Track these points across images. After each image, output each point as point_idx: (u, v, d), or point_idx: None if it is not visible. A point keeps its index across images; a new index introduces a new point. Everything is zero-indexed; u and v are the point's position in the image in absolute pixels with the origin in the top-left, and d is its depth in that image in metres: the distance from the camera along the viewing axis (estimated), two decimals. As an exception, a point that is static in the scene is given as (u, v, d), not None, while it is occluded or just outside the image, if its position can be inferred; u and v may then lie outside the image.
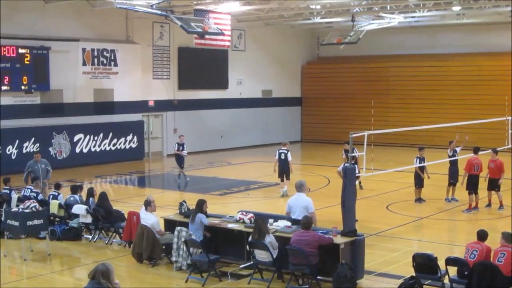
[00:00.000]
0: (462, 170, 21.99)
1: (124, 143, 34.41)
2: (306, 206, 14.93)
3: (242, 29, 40.07)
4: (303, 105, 45.77)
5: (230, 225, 15.16)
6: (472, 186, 21.17)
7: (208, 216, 15.36)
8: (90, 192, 18.55)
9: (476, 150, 21.68)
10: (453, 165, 22.96)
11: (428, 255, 13.08)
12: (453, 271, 12.81)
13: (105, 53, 33.46)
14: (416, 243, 17.41)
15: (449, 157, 22.94)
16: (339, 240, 13.78)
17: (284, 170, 24.09)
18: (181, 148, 27.88)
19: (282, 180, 24.09)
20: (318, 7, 33.65)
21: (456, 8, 32.84)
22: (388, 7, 33.55)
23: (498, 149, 22.34)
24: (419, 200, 22.80)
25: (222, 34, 30.51)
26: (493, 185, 21.47)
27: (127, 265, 15.45)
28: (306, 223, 13.71)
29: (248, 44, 41.16)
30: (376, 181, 24.90)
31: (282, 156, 24.09)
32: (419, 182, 22.92)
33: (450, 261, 12.90)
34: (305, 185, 15.64)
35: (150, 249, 15.16)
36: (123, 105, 34.38)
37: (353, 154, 18.19)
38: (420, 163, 22.58)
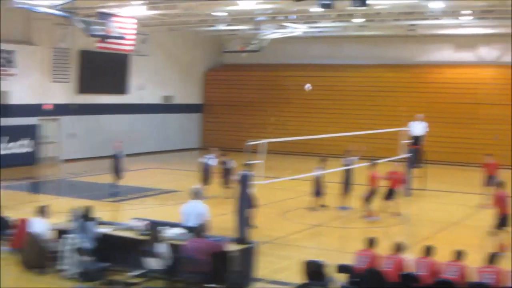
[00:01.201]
0: (357, 179, 22.43)
1: (19, 148, 33.49)
2: (202, 214, 14.85)
3: (146, 34, 39.61)
4: (205, 112, 45.68)
5: (122, 233, 14.97)
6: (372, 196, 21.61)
7: (101, 223, 15.14)
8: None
9: (373, 163, 22.01)
10: (348, 174, 23.34)
11: (318, 262, 13.27)
12: (344, 278, 13.02)
13: (3, 54, 32.45)
14: (310, 250, 17.58)
15: (344, 166, 23.30)
16: (232, 247, 13.79)
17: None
18: (118, 156, 26.23)
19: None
20: (223, 14, 33.69)
21: (358, 20, 33.43)
22: (292, 17, 33.80)
23: (392, 158, 22.95)
24: (314, 208, 23.11)
25: (123, 38, 30.14)
26: (391, 194, 22.06)
27: (16, 274, 14.99)
28: (200, 231, 13.67)
29: (152, 49, 40.65)
30: (273, 189, 25.05)
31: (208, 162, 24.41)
32: (318, 191, 23.19)
33: (341, 268, 13.13)
34: (201, 193, 15.57)
35: (39, 257, 14.78)
36: (19, 108, 33.44)
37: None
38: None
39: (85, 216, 14.80)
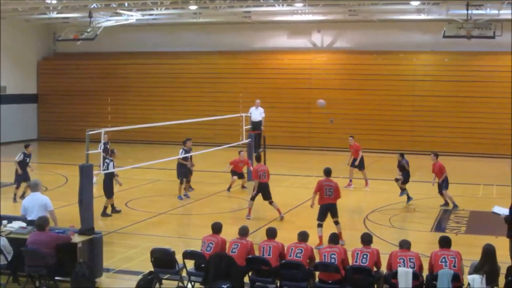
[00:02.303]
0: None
1: None
2: (44, 205, 14.52)
3: (-27, 22, 38.07)
4: (40, 102, 44.41)
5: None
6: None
7: None
8: None
9: (258, 158, 21.45)
10: (182, 165, 23.20)
11: (166, 250, 13.29)
12: (190, 264, 13.11)
13: None
14: (155, 238, 17.52)
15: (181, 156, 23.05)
16: (77, 239, 13.59)
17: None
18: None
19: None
20: (54, 1, 32.82)
21: (193, 7, 33.53)
22: (126, 4, 33.42)
23: (231, 145, 23.30)
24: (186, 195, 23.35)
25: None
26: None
27: None
28: (41, 223, 13.37)
29: (-20, 38, 39.20)
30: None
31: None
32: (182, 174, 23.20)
33: (187, 255, 13.20)
34: (40, 184, 15.18)
35: None
36: None
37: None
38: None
39: None
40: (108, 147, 22.92)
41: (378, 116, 36.59)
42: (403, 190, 22.13)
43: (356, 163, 25.28)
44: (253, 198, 19.94)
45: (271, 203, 19.88)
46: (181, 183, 22.93)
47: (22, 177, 22.95)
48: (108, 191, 20.11)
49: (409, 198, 22.02)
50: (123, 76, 42.11)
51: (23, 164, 23.19)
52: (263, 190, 19.79)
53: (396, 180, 22.28)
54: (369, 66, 37.31)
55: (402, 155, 22.58)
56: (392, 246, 14.63)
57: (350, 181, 25.44)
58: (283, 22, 38.80)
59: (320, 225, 16.55)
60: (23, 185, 22.50)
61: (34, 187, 14.86)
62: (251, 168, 23.71)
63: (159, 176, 27.21)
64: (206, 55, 40.85)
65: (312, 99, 37.66)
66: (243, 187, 24.86)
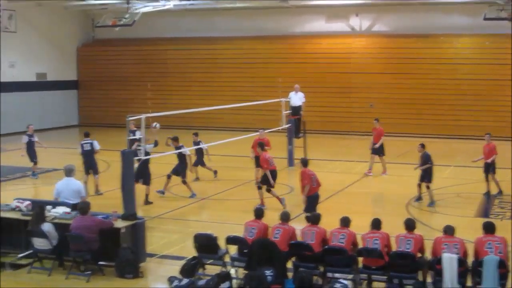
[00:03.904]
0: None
1: None
2: (77, 191, 14.66)
3: (13, 10, 38.40)
4: (80, 88, 44.79)
5: (6, 214, 14.61)
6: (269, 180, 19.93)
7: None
8: None
9: (261, 146, 20.78)
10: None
11: (208, 235, 13.36)
12: (233, 249, 13.15)
13: None
14: (197, 223, 17.64)
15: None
16: (120, 224, 13.71)
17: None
18: (32, 138, 24.79)
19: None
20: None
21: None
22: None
23: (271, 130, 23.21)
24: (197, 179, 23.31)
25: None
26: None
27: None
28: (84, 207, 13.52)
29: (20, 25, 39.52)
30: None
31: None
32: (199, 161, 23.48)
33: (230, 240, 13.25)
34: (74, 170, 15.25)
35: None
36: None
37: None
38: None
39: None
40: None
41: (418, 100, 36.24)
42: (428, 196, 20.03)
43: (376, 146, 24.63)
44: (266, 189, 19.65)
45: (269, 191, 19.63)
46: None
47: (32, 156, 24.57)
48: (146, 178, 20.09)
49: (432, 202, 19.89)
50: (161, 61, 42.25)
51: (30, 144, 24.39)
52: (274, 178, 19.62)
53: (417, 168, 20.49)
54: (408, 50, 36.95)
55: (423, 145, 20.42)
56: (436, 232, 14.51)
57: (370, 168, 24.92)
58: (320, 6, 38.59)
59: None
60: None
61: (69, 172, 14.95)
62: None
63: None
64: (243, 40, 40.79)
65: (351, 84, 37.55)
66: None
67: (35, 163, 24.90)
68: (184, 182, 21.27)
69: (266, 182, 19.55)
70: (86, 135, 22.24)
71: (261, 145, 20.84)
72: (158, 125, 21.28)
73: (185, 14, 41.24)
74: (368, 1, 36.35)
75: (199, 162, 23.89)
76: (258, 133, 23.20)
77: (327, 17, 39.28)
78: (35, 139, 24.91)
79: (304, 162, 17.42)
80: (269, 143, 22.74)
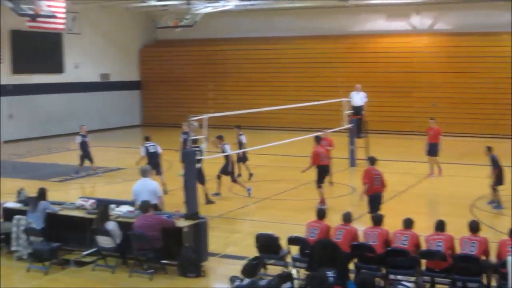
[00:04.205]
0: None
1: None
2: (154, 191, 14.85)
3: (76, 12, 39.04)
4: (142, 88, 45.34)
5: (71, 212, 14.88)
6: (323, 176, 20.13)
7: (52, 203, 15.04)
8: None
9: (318, 140, 20.73)
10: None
11: (270, 235, 13.37)
12: (295, 250, 13.14)
13: None
14: (259, 223, 17.68)
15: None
16: (182, 223, 13.82)
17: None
18: (85, 139, 25.44)
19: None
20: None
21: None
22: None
23: (333, 130, 23.10)
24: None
25: (54, 16, 29.66)
26: None
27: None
28: (145, 206, 13.68)
29: (84, 27, 40.19)
30: (217, 164, 25.05)
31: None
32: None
33: (291, 240, 13.24)
34: (149, 171, 15.56)
35: (-14, 239, 14.66)
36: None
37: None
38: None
39: (38, 197, 14.68)
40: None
41: (482, 99, 35.59)
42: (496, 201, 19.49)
43: (442, 147, 24.13)
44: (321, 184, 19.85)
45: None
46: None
47: (83, 156, 25.09)
48: (201, 178, 20.00)
49: (499, 206, 19.33)
50: (221, 62, 42.47)
51: (83, 144, 25.00)
52: (325, 173, 19.82)
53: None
54: (471, 48, 36.37)
55: (489, 148, 19.83)
56: (501, 235, 14.27)
57: (437, 168, 24.42)
58: (380, 5, 38.29)
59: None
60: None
61: (144, 173, 15.22)
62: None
63: (261, 161, 27.32)
64: (303, 40, 40.72)
65: (412, 83, 37.15)
66: (330, 183, 22.53)
67: (91, 162, 25.48)
68: (234, 181, 21.37)
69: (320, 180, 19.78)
70: (147, 138, 22.45)
71: (317, 139, 20.73)
72: (196, 124, 21.62)
73: (245, 14, 41.36)
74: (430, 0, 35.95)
75: (241, 158, 23.77)
76: (321, 133, 22.95)
77: (388, 15, 38.96)
78: (88, 139, 25.44)
79: (371, 160, 17.28)
80: (332, 143, 22.61)
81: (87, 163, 25.48)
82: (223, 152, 20.79)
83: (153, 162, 21.49)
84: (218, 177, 21.29)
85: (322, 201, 19.57)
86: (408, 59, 37.63)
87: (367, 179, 16.82)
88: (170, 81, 43.86)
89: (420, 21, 38.36)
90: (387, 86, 37.58)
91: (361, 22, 39.68)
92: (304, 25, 40.77)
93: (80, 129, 25.68)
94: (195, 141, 18.98)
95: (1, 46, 35.44)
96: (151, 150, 21.91)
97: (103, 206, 14.28)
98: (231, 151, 21.32)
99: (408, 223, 12.86)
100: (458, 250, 12.27)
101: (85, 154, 25.28)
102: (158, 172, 21.82)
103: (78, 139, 25.26)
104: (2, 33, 35.35)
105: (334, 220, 14.00)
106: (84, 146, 25.23)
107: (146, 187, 14.86)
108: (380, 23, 39.16)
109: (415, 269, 12.21)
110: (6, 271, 13.95)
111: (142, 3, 37.72)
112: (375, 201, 16.76)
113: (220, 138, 21.03)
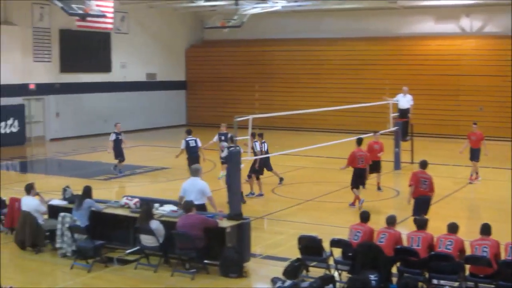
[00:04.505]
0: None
1: (5, 128, 33.33)
2: (203, 190, 14.86)
3: (125, 12, 39.46)
4: (188, 88, 45.58)
5: (115, 210, 15.00)
6: (357, 180, 20.01)
7: (97, 201, 15.18)
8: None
9: (358, 142, 20.57)
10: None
11: (313, 237, 13.31)
12: (337, 252, 13.07)
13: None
14: (301, 225, 17.60)
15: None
16: (225, 223, 13.83)
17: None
18: (120, 137, 25.61)
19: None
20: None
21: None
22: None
23: (380, 132, 22.92)
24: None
25: (104, 16, 29.97)
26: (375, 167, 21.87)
27: (10, 253, 15.06)
28: (188, 206, 13.72)
29: (132, 26, 40.62)
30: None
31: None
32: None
33: (334, 243, 13.15)
34: (200, 170, 15.60)
35: (33, 236, 14.83)
36: (2, 88, 33.18)
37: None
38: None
39: (84, 195, 14.82)
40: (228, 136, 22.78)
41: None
42: None
43: (486, 152, 23.70)
44: (357, 187, 19.83)
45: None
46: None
47: (117, 153, 25.22)
48: None
49: None
50: (268, 63, 42.49)
51: (117, 142, 25.11)
52: (359, 176, 19.75)
53: None
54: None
55: None
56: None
57: (474, 173, 24.02)
58: (429, 7, 38.01)
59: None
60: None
61: (195, 172, 15.23)
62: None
63: (305, 163, 27.30)
64: (350, 41, 40.55)
65: (460, 86, 36.74)
66: (378, 188, 22.24)
67: (120, 160, 25.64)
68: (250, 177, 21.32)
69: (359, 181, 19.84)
70: (189, 132, 22.95)
71: (358, 140, 20.57)
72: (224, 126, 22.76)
73: (292, 16, 41.35)
74: (479, 1, 35.49)
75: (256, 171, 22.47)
76: (372, 135, 22.73)
77: (436, 17, 38.62)
78: (122, 137, 25.66)
79: (421, 164, 17.09)
80: (383, 147, 22.39)
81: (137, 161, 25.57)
82: (253, 149, 20.87)
83: (193, 157, 22.04)
84: (249, 176, 21.31)
85: (354, 202, 19.82)
86: (456, 62, 37.23)
87: (412, 182, 16.66)
88: (215, 82, 43.99)
89: (469, 23, 37.93)
90: (434, 89, 37.20)
91: (410, 24, 39.40)
92: (352, 26, 40.58)
93: (115, 127, 25.92)
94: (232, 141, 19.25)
95: (51, 46, 35.93)
96: (192, 144, 22.36)
97: (146, 204, 14.36)
98: (261, 149, 21.16)
99: (453, 228, 12.69)
100: (503, 256, 12.08)
101: (118, 152, 25.48)
102: None
103: (112, 136, 25.49)
104: (51, 32, 35.84)
105: (378, 223, 13.88)
106: (117, 144, 25.46)
107: (195, 186, 14.85)
108: (429, 25, 38.83)
109: (458, 274, 12.05)
110: (50, 268, 14.15)
111: (191, 4, 37.93)
112: (420, 204, 16.59)
113: (252, 135, 21.08)
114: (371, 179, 21.75)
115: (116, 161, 25.59)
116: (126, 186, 23.38)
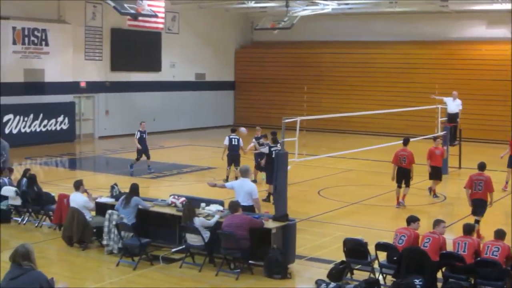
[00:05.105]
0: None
1: (55, 125, 33.84)
2: (250, 192, 14.88)
3: (176, 12, 39.79)
4: (236, 89, 45.76)
5: (161, 209, 15.13)
6: (400, 179, 20.30)
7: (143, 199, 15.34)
8: (25, 173, 18.20)
9: (405, 142, 20.72)
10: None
11: (359, 240, 13.28)
12: (382, 256, 13.04)
13: (36, 32, 32.77)
14: (347, 228, 17.59)
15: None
16: (271, 224, 13.86)
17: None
18: (144, 135, 26.03)
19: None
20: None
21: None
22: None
23: (426, 136, 22.77)
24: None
25: (156, 16, 30.31)
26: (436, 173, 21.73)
27: (57, 248, 15.30)
28: (234, 206, 13.78)
29: (182, 27, 40.94)
30: (308, 166, 25.10)
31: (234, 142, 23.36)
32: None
33: (379, 246, 13.11)
34: (250, 171, 15.68)
35: (80, 232, 15.02)
36: (54, 85, 33.74)
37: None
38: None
39: (131, 192, 14.99)
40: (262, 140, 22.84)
41: None
42: None
43: None
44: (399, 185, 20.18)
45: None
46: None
47: (141, 151, 25.60)
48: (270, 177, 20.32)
49: None
50: (316, 65, 42.46)
51: (141, 140, 25.55)
52: (404, 176, 20.00)
53: None
54: None
55: None
56: None
57: (507, 183, 23.52)
58: (481, 12, 37.55)
59: (476, 221, 16.15)
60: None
61: (244, 173, 15.28)
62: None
63: (352, 165, 27.23)
64: (400, 45, 40.34)
65: (509, 92, 36.22)
66: (434, 195, 21.87)
67: (148, 157, 25.92)
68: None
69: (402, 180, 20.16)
70: (233, 130, 23.78)
71: (404, 141, 20.76)
72: (245, 130, 23.53)
73: (342, 18, 41.27)
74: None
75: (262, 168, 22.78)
76: (433, 141, 22.52)
77: (488, 22, 38.20)
78: (146, 135, 26.03)
79: (479, 166, 17.21)
80: (444, 153, 22.52)
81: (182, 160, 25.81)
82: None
83: (233, 154, 22.99)
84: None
85: (398, 203, 20.18)
86: (506, 67, 36.69)
87: (466, 185, 16.77)
88: (263, 83, 44.09)
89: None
90: (483, 94, 36.82)
91: (461, 28, 39.04)
92: (401, 30, 40.38)
93: (140, 125, 26.22)
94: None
95: (102, 44, 36.38)
96: (234, 142, 23.13)
97: (188, 203, 14.47)
98: (269, 150, 21.08)
99: (500, 234, 12.59)
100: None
101: (143, 150, 25.76)
102: (237, 164, 22.72)
103: (137, 134, 25.81)
104: (103, 31, 36.30)
105: (422, 227, 13.81)
106: (142, 142, 25.77)
107: (244, 187, 14.90)
108: (480, 30, 38.47)
109: (504, 280, 11.94)
110: (96, 264, 14.35)
111: (241, 4, 38.09)
112: (475, 206, 16.65)
113: (265, 135, 21.66)
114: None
115: (134, 159, 26.01)
116: (173, 185, 23.57)
